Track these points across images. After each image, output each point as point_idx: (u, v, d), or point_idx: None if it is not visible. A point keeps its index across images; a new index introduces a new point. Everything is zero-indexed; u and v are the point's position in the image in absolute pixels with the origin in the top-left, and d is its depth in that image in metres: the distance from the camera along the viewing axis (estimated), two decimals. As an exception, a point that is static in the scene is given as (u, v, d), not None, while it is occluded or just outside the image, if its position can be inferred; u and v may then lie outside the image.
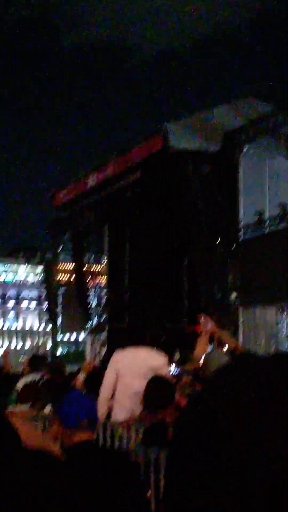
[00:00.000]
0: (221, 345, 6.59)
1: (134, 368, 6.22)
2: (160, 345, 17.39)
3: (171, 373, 6.71)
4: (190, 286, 26.47)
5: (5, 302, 57.75)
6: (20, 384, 8.83)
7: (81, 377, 6.61)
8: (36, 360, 9.57)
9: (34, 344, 54.34)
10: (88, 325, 31.91)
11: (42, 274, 38.30)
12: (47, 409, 7.60)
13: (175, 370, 16.70)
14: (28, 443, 1.77)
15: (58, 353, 35.64)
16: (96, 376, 6.39)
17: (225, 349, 6.34)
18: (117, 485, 2.84)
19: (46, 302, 36.13)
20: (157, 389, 5.60)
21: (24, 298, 56.53)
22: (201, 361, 6.04)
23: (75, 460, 3.16)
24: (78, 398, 3.73)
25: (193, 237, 25.15)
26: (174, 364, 17.86)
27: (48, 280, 34.67)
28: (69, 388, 7.80)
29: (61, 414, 3.44)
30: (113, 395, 6.15)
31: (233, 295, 22.97)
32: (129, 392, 6.19)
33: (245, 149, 23.23)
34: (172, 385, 5.80)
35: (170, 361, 20.45)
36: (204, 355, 6.05)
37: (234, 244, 23.21)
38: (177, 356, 17.88)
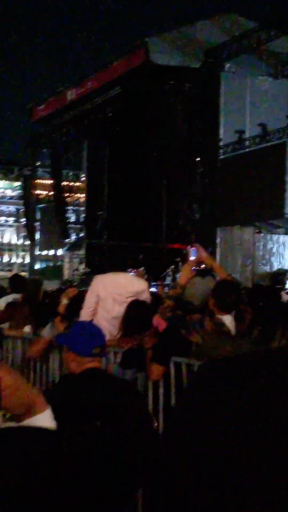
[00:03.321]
0: (206, 274, 6.71)
1: (114, 293, 6.34)
2: (138, 264, 17.54)
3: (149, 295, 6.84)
4: (169, 205, 26.53)
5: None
6: (1, 303, 8.93)
7: (63, 302, 6.71)
8: (17, 280, 9.66)
9: (12, 259, 54.55)
10: (67, 241, 32.03)
11: (20, 190, 38.09)
12: (27, 329, 7.68)
13: (155, 287, 16.89)
14: (10, 400, 1.52)
15: (36, 267, 35.84)
16: (78, 302, 6.51)
17: (216, 278, 6.48)
18: (130, 412, 3.03)
19: (24, 218, 36.09)
20: (136, 314, 5.75)
21: (1, 213, 56.32)
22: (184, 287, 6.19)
23: (87, 385, 3.32)
24: (90, 326, 3.87)
25: (172, 155, 25.06)
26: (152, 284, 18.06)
27: (26, 196, 34.54)
28: (48, 310, 7.90)
29: (74, 342, 3.53)
30: (93, 319, 6.31)
31: (211, 214, 23.12)
32: (109, 316, 6.33)
33: (226, 67, 22.94)
34: (151, 310, 5.95)
35: (149, 280, 20.66)
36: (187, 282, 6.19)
37: (214, 163, 23.20)
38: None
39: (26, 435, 1.54)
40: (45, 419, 1.56)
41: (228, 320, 5.33)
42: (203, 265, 6.76)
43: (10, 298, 9.03)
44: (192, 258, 6.11)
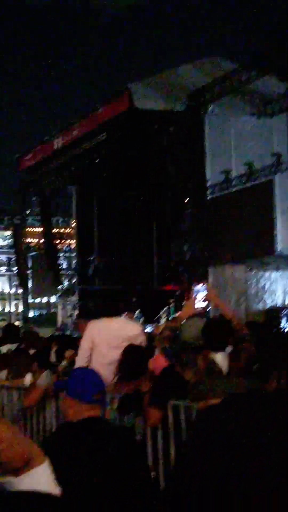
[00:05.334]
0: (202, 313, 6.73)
1: (109, 339, 6.34)
2: (132, 308, 17.53)
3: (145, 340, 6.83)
4: (159, 247, 26.59)
5: (-26, 266, 57.43)
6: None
7: (62, 364, 6.75)
8: (11, 329, 9.67)
9: (5, 308, 54.42)
10: (59, 288, 31.96)
11: (11, 238, 38.10)
12: (27, 378, 7.63)
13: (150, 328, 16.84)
14: (7, 454, 1.47)
15: (29, 316, 35.69)
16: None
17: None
18: (128, 463, 2.99)
19: (16, 266, 36.05)
20: (131, 359, 5.75)
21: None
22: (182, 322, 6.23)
23: (85, 437, 3.24)
24: (89, 373, 3.86)
25: (161, 197, 25.20)
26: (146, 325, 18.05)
27: (17, 244, 34.53)
28: (42, 358, 7.88)
29: (73, 388, 3.50)
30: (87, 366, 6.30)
31: (202, 254, 23.14)
32: (104, 361, 6.30)
33: (210, 108, 23.20)
34: (146, 354, 5.95)
35: (144, 322, 20.56)
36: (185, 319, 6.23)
37: (202, 203, 23.31)
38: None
39: (28, 502, 1.48)
40: (43, 472, 1.52)
41: (219, 358, 5.33)
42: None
43: (5, 348, 9.00)
44: (197, 294, 6.12)
